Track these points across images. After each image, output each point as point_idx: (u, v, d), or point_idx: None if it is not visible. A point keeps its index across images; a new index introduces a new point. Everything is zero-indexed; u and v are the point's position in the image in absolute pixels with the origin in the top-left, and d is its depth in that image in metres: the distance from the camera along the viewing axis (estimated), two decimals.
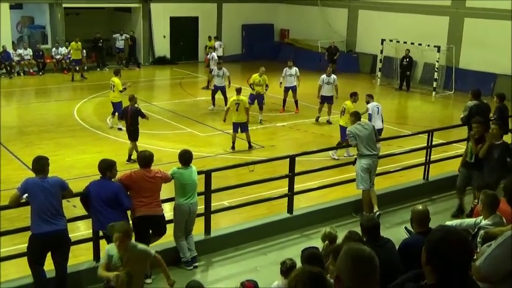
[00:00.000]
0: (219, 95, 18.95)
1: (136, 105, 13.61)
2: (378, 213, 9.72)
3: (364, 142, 9.94)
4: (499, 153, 9.25)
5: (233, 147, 14.66)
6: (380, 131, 13.66)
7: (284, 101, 19.09)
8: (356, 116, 10.35)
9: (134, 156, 12.40)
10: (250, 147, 14.75)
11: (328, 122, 17.36)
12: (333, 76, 17.37)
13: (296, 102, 19.08)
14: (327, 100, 17.36)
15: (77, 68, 24.72)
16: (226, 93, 18.73)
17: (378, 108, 13.86)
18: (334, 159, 13.72)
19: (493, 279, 3.61)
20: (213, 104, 19.19)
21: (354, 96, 14.17)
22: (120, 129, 15.86)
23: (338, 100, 16.90)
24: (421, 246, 3.08)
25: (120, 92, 16.17)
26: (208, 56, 24.46)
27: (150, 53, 29.28)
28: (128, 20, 29.48)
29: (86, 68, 25.70)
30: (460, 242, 2.97)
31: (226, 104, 18.73)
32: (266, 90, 17.92)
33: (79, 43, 24.83)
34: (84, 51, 25.50)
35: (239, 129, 14.57)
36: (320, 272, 3.15)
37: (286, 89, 18.98)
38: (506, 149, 9.40)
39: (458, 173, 10.39)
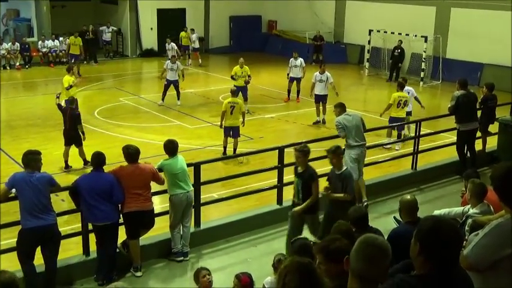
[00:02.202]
0: (171, 90, 18.48)
1: (75, 108, 12.64)
2: (365, 203, 9.77)
3: (352, 133, 9.95)
4: (342, 183, 8.08)
5: (225, 153, 13.30)
6: (409, 113, 14.40)
7: (288, 91, 19.26)
8: (342, 107, 10.34)
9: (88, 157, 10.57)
10: (234, 152, 13.56)
11: (323, 122, 16.55)
12: (326, 74, 16.48)
13: (298, 92, 19.17)
14: (321, 100, 16.45)
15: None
16: (179, 87, 18.68)
17: (409, 92, 14.52)
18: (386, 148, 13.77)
19: (480, 268, 3.64)
20: (162, 100, 18.56)
21: (400, 85, 14.47)
22: None
23: (335, 97, 16.54)
24: (409, 236, 3.08)
25: (66, 89, 14.89)
26: (168, 46, 24.29)
27: (138, 45, 29.11)
28: (114, 12, 29.24)
29: (73, 61, 25.42)
30: (451, 230, 2.99)
31: (178, 98, 18.58)
32: (249, 80, 17.46)
33: (78, 38, 24.17)
34: (68, 41, 24.91)
35: (231, 133, 13.36)
36: (310, 263, 3.17)
37: (291, 80, 19.01)
38: (347, 176, 8.19)
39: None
